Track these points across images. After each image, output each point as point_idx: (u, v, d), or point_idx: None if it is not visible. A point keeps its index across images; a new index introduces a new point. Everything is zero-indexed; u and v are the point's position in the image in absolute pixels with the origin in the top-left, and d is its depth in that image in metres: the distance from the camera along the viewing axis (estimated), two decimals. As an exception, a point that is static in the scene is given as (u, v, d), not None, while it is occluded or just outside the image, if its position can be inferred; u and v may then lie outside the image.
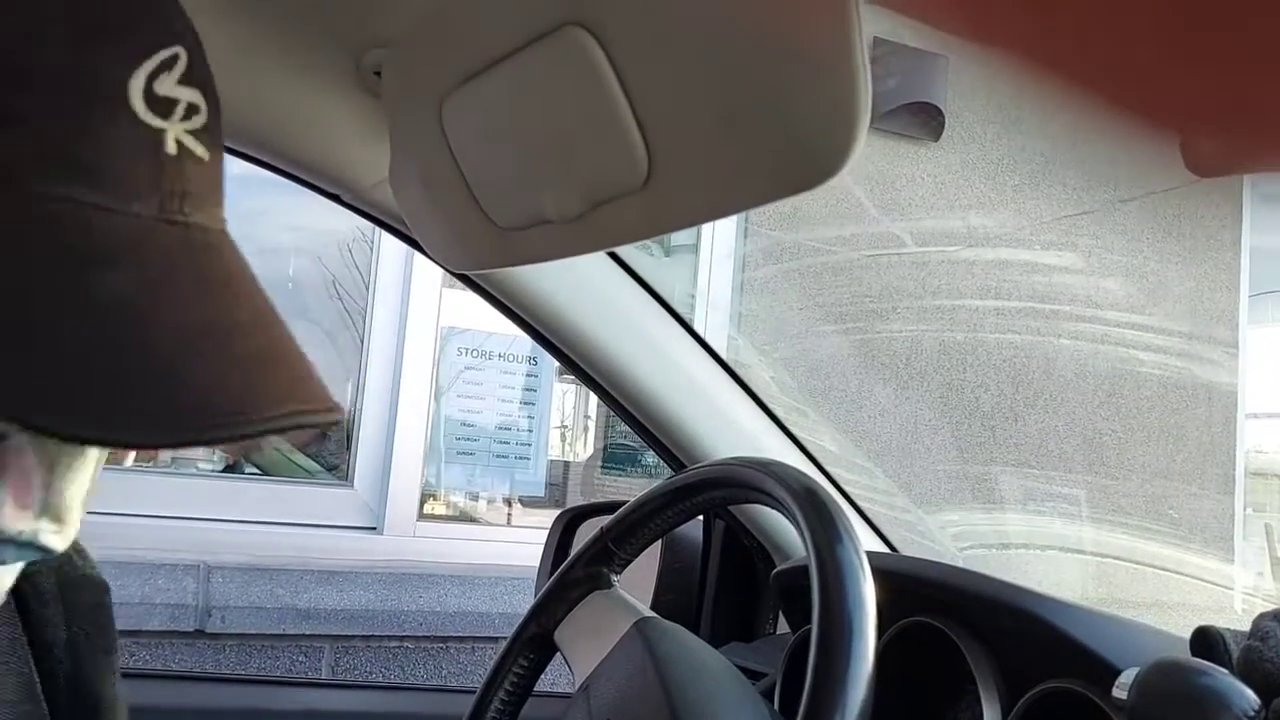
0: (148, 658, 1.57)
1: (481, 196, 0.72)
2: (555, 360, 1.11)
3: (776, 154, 0.53)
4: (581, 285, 1.00)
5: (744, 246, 2.35)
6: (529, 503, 2.32)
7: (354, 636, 1.72)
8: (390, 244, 2.02)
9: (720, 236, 2.36)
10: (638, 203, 0.62)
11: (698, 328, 1.10)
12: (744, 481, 0.71)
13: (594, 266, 1.01)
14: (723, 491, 0.74)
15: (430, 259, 0.87)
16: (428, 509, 2.11)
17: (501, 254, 0.77)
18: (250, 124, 0.83)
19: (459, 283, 2.14)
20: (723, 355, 1.11)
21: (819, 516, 0.63)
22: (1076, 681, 0.68)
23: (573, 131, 0.63)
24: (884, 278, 2.48)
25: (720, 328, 2.30)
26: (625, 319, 1.04)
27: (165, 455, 2.09)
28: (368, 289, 2.04)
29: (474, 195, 0.73)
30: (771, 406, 1.12)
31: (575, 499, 2.39)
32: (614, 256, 1.03)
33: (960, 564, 0.92)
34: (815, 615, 0.58)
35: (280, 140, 0.84)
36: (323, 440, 2.14)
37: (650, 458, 2.50)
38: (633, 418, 1.09)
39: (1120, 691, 0.60)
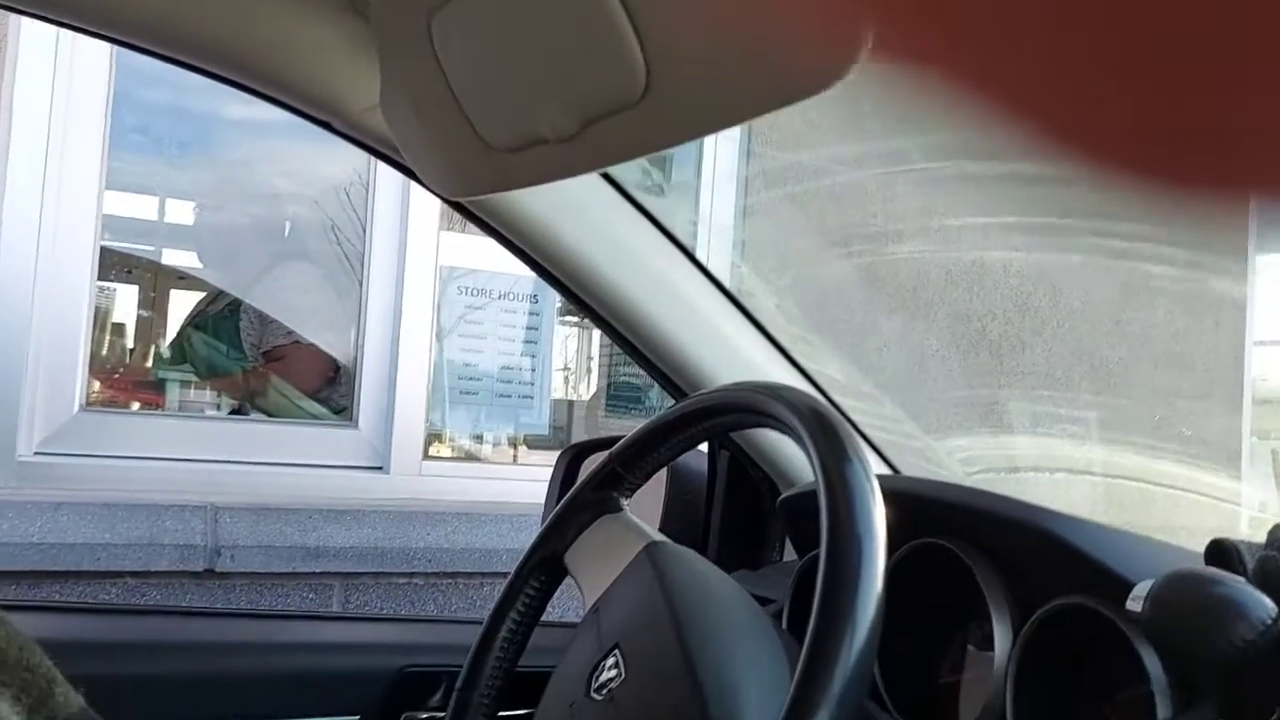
0: (158, 596, 1.58)
1: (475, 118, 0.70)
2: (555, 292, 1.09)
3: (778, 60, 0.51)
4: (581, 212, 0.98)
5: (746, 169, 2.31)
6: (533, 443, 2.32)
7: (363, 574, 1.73)
8: (386, 186, 2.00)
9: (722, 159, 2.32)
10: (635, 117, 0.60)
11: (700, 255, 1.08)
12: (751, 406, 0.70)
13: (593, 193, 0.99)
14: (730, 416, 0.73)
15: (425, 186, 0.85)
16: (433, 450, 2.11)
17: (497, 178, 0.75)
18: (237, 49, 0.81)
19: (456, 225, 2.12)
20: (726, 283, 1.10)
21: (827, 439, 0.62)
22: (1089, 597, 0.67)
23: (567, 44, 0.61)
24: (891, 197, 2.44)
25: (723, 254, 2.27)
26: (626, 247, 1.02)
27: (173, 399, 2.09)
28: (365, 232, 2.02)
29: (467, 117, 0.71)
30: (776, 335, 1.11)
31: (580, 438, 2.39)
32: (614, 184, 1.01)
33: (968, 487, 0.91)
34: (824, 537, 0.58)
35: (268, 65, 0.82)
36: (332, 385, 2.14)
37: (653, 397, 2.50)
38: (635, 349, 1.08)
39: (1135, 604, 0.59)
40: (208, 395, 2.16)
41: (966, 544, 0.79)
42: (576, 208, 0.99)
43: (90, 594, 1.55)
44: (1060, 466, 2.60)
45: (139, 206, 2.27)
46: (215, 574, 1.62)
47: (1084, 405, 2.63)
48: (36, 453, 1.68)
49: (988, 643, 0.77)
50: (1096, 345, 2.67)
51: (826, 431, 0.62)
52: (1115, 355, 2.70)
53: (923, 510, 0.82)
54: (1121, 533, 0.75)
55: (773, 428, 0.68)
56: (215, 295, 2.24)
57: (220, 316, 2.20)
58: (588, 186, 0.99)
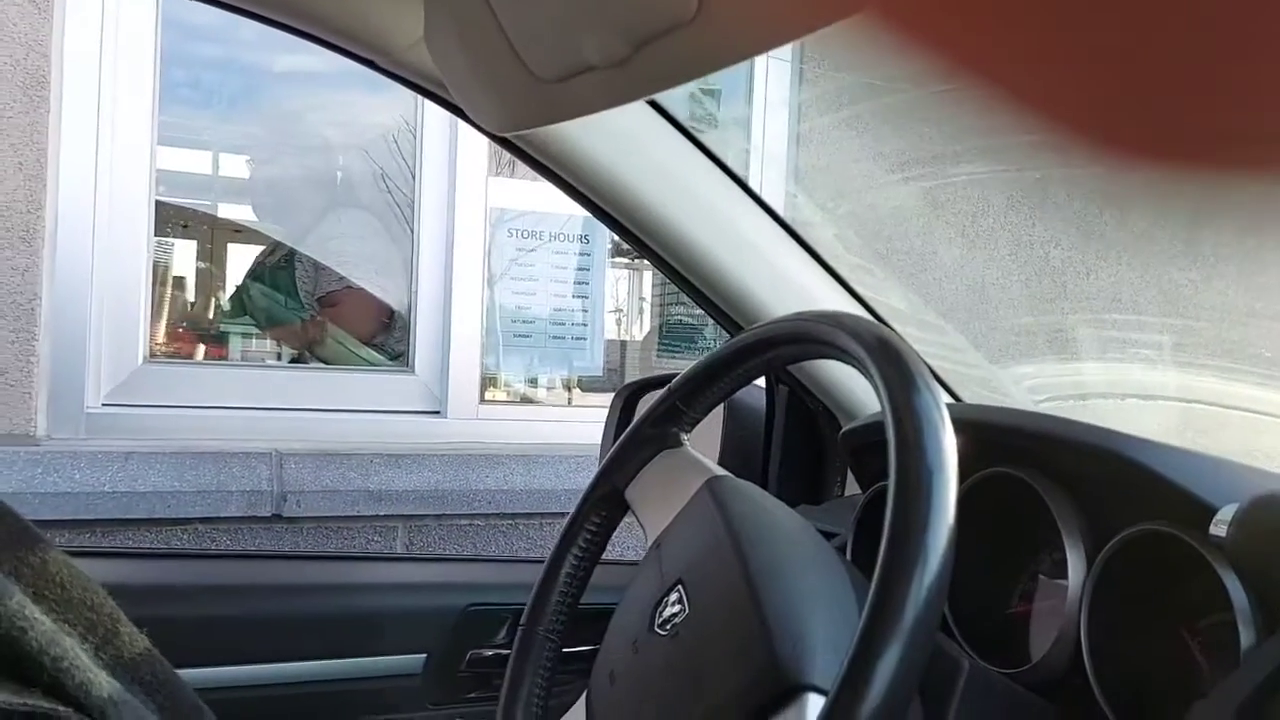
0: (229, 542, 1.62)
1: (521, 47, 0.68)
2: (606, 232, 1.08)
3: (838, -32, 0.49)
4: (631, 145, 0.96)
5: (799, 95, 2.25)
6: (587, 385, 2.32)
7: (426, 516, 1.76)
8: (434, 133, 1.98)
9: (773, 85, 2.26)
10: (687, 37, 0.57)
11: (753, 184, 1.06)
12: (814, 336, 0.68)
13: (643, 124, 0.97)
14: (792, 347, 0.71)
15: (471, 123, 0.84)
16: (489, 394, 2.12)
17: (546, 110, 0.73)
18: (277, -12, 0.79)
19: (504, 169, 2.10)
20: (781, 213, 1.07)
21: (894, 368, 0.60)
22: (1168, 522, 0.65)
23: (615, -37, 0.58)
24: (950, 116, 2.36)
25: (778, 183, 2.23)
26: (679, 180, 1.00)
27: (234, 350, 2.12)
28: (414, 179, 2.02)
29: (514, 47, 0.69)
30: (835, 266, 1.08)
31: (632, 380, 2.38)
32: (665, 114, 0.99)
33: (1036, 416, 0.88)
34: (892, 467, 0.56)
35: (310, 3, 0.80)
36: (387, 330, 2.15)
37: (707, 336, 2.48)
38: (689, 283, 1.06)
39: (1219, 529, 0.57)
40: (268, 345, 2.20)
41: (1036, 471, 0.77)
42: (627, 140, 0.97)
43: (162, 540, 1.59)
44: (1131, 392, 2.53)
45: (192, 161, 2.29)
46: (283, 519, 1.65)
47: (1154, 329, 2.55)
48: (104, 404, 1.72)
49: (1059, 571, 0.75)
50: (1165, 268, 2.58)
51: (894, 361, 0.60)
52: (1185, 277, 2.61)
53: (990, 438, 0.80)
54: (1200, 456, 0.72)
55: (836, 358, 0.66)
56: (273, 248, 2.26)
57: (277, 267, 2.22)
58: (638, 118, 0.97)
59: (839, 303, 1.07)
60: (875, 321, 0.66)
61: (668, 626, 0.65)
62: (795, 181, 2.25)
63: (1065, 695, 0.71)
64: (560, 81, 0.68)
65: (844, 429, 1.01)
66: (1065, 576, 0.73)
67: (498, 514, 1.81)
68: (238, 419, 1.79)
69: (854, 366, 0.64)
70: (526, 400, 2.25)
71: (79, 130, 1.67)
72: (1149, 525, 0.66)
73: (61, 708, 0.29)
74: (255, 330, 2.18)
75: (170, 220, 2.14)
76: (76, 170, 1.67)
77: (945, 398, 1.05)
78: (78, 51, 1.67)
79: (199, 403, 1.79)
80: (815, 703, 0.54)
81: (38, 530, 0.33)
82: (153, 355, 1.84)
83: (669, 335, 2.56)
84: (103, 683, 0.31)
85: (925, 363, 0.62)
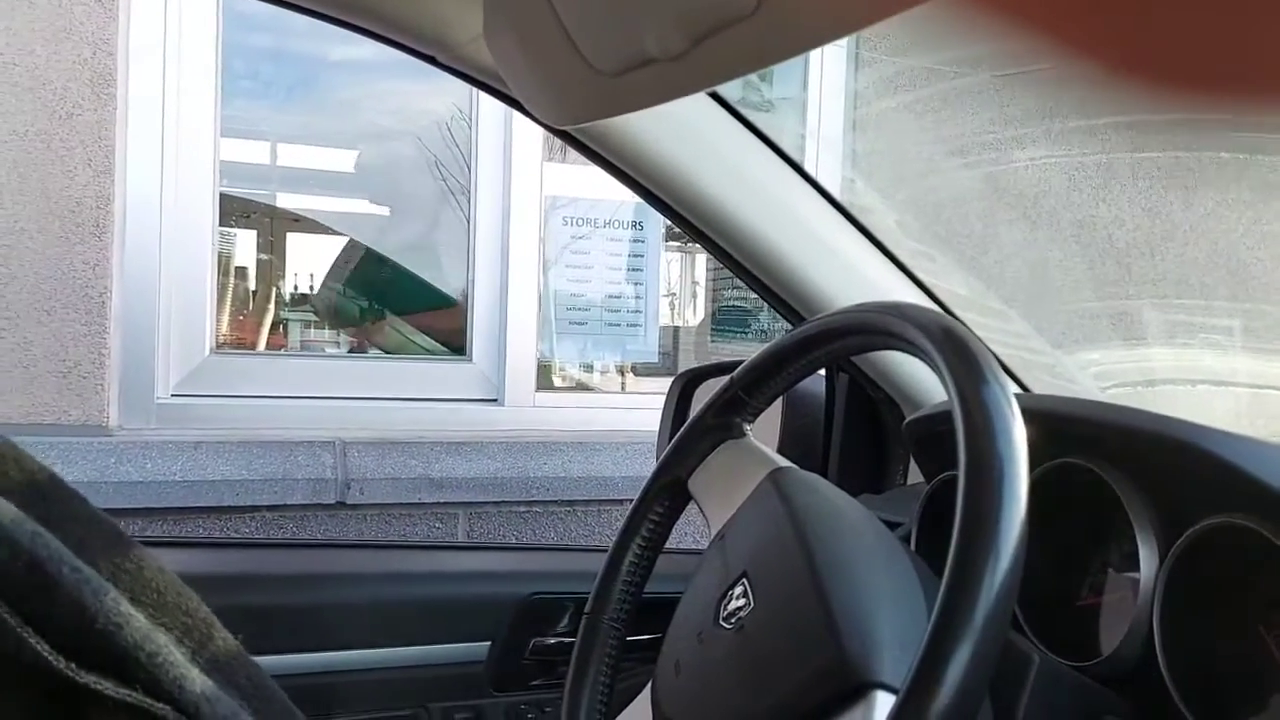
0: (294, 529, 1.65)
1: (580, 40, 0.68)
2: (665, 218, 1.07)
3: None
4: (688, 133, 0.96)
5: (856, 79, 2.22)
6: (642, 370, 2.33)
7: (485, 503, 1.78)
8: (488, 120, 1.99)
9: (829, 70, 2.23)
10: (748, 30, 0.57)
11: (809, 169, 1.05)
12: (878, 327, 0.67)
13: (700, 112, 0.96)
14: (856, 339, 0.71)
15: (530, 117, 0.84)
16: (544, 381, 2.14)
17: (604, 103, 0.73)
18: (338, -13, 0.80)
19: (557, 155, 2.11)
20: (838, 199, 1.06)
21: (961, 360, 0.59)
22: (1244, 515, 0.64)
23: (675, -44, 0.58)
24: (1010, 100, 2.31)
25: (834, 169, 2.20)
26: (737, 167, 0.99)
27: (295, 340, 2.16)
28: (470, 167, 2.03)
29: (573, 41, 0.69)
30: (896, 252, 1.07)
31: (688, 365, 2.38)
32: (721, 101, 0.98)
33: (1104, 403, 0.87)
34: (962, 463, 0.55)
35: (371, 2, 0.81)
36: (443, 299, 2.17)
37: (761, 320, 2.47)
38: (748, 272, 1.06)
39: (1300, 524, 0.56)
40: (326, 334, 2.23)
41: (1106, 462, 0.75)
42: (685, 130, 0.96)
43: (230, 528, 1.63)
44: (1201, 378, 2.46)
45: (251, 151, 2.33)
46: (346, 506, 1.68)
47: (1223, 312, 2.49)
48: (173, 395, 1.76)
49: (1129, 564, 0.74)
50: (1234, 248, 2.51)
51: (960, 352, 0.59)
52: (1255, 257, 2.53)
53: (1059, 429, 0.79)
54: (1277, 447, 0.70)
55: (901, 350, 0.65)
56: (348, 244, 2.28)
57: (353, 264, 2.24)
58: (694, 106, 0.96)
59: (901, 290, 1.06)
60: (940, 312, 0.65)
61: (733, 620, 0.66)
62: (853, 166, 2.22)
63: (1137, 689, 0.70)
64: (619, 75, 0.68)
65: (908, 418, 1.00)
66: (1135, 569, 0.72)
67: (556, 501, 1.82)
68: (301, 408, 1.82)
69: (920, 358, 0.63)
70: (582, 387, 2.26)
71: (145, 125, 1.71)
72: (1225, 518, 0.65)
73: (160, 704, 0.30)
74: (315, 319, 2.21)
75: (232, 211, 2.18)
76: (143, 165, 1.71)
77: (1013, 387, 1.03)
78: (143, 48, 1.70)
79: (264, 392, 1.83)
80: (884, 701, 0.54)
81: (131, 537, 0.34)
82: (219, 346, 1.88)
83: (723, 319, 2.55)
84: (196, 679, 0.31)
85: (992, 352, 0.61)
